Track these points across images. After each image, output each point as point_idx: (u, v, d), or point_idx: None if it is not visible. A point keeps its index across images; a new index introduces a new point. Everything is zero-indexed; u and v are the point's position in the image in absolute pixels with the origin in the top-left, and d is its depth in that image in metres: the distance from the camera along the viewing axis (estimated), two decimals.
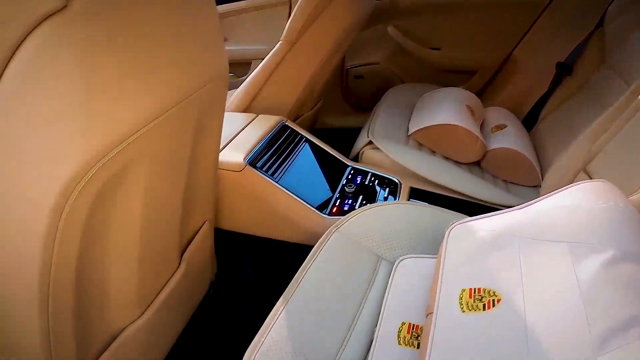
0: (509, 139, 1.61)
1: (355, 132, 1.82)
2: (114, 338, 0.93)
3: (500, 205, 1.38)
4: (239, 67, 2.41)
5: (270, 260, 1.46)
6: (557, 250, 0.85)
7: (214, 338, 1.43)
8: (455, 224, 0.97)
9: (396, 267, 1.01)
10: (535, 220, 0.93)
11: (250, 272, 1.51)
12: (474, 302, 0.81)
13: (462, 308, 0.80)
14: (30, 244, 0.64)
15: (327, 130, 2.43)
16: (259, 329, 0.88)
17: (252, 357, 0.77)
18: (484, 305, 0.80)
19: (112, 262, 0.86)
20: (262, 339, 0.82)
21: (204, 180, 1.11)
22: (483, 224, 0.95)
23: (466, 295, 0.82)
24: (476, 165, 1.62)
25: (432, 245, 1.09)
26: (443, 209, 1.19)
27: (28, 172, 0.60)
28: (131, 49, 0.67)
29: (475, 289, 0.82)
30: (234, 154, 1.31)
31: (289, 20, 1.49)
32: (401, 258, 1.03)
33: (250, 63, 2.33)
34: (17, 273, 0.66)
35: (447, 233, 0.96)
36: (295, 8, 1.47)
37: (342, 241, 1.06)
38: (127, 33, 0.65)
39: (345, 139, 1.91)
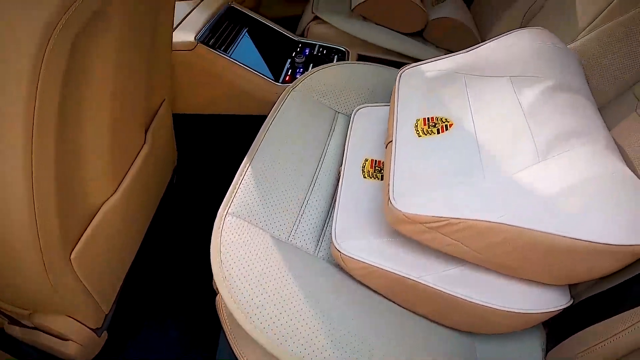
0: (448, 11, 1.66)
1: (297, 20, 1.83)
2: (94, 214, 0.97)
3: None
4: None
5: (229, 136, 1.50)
6: (500, 83, 0.93)
7: (184, 219, 1.48)
8: (405, 68, 1.03)
9: (354, 115, 1.08)
10: (479, 60, 1.00)
11: (211, 152, 1.54)
12: (429, 128, 0.88)
13: (419, 134, 0.87)
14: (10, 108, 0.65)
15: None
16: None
17: (224, 214, 0.83)
18: (438, 129, 0.87)
19: (87, 135, 0.88)
20: (232, 197, 0.88)
21: (163, 54, 1.12)
22: (432, 66, 1.02)
23: (421, 123, 0.89)
24: (419, 36, 1.68)
25: (385, 97, 1.15)
26: (391, 67, 1.25)
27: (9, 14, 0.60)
28: None
29: (428, 118, 0.90)
30: (184, 34, 1.31)
31: None
32: (358, 107, 1.09)
33: None
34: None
35: (398, 76, 1.02)
36: None
37: (299, 99, 1.11)
38: None
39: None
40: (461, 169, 0.79)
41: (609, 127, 0.89)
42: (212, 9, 1.47)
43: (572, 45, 1.09)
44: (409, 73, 1.02)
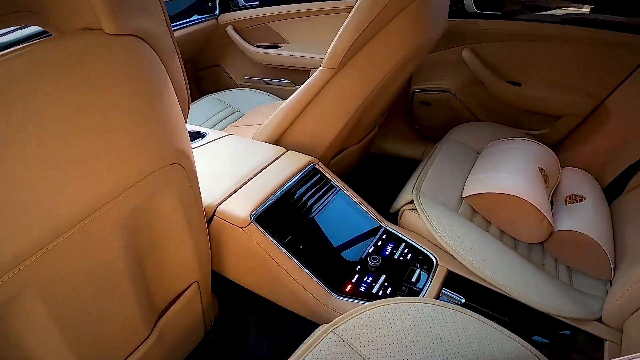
0: (583, 216, 1.32)
1: (415, 164, 1.58)
2: None
3: (553, 315, 1.10)
4: (298, 74, 2.20)
5: (270, 322, 1.28)
6: None
7: None
8: None
9: None
10: None
11: (249, 330, 1.33)
12: None
13: None
14: None
15: (385, 156, 2.19)
16: None
17: None
18: None
19: None
20: None
21: (177, 253, 0.94)
22: None
23: None
24: (538, 244, 1.35)
25: None
26: (475, 315, 0.95)
27: None
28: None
29: None
30: (241, 206, 1.11)
31: (333, 43, 1.22)
32: None
33: (309, 72, 2.11)
34: None
35: None
36: (342, 27, 1.19)
37: (337, 347, 0.86)
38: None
39: (402, 170, 1.67)
40: None
41: None
42: (289, 171, 1.26)
43: None
44: None
